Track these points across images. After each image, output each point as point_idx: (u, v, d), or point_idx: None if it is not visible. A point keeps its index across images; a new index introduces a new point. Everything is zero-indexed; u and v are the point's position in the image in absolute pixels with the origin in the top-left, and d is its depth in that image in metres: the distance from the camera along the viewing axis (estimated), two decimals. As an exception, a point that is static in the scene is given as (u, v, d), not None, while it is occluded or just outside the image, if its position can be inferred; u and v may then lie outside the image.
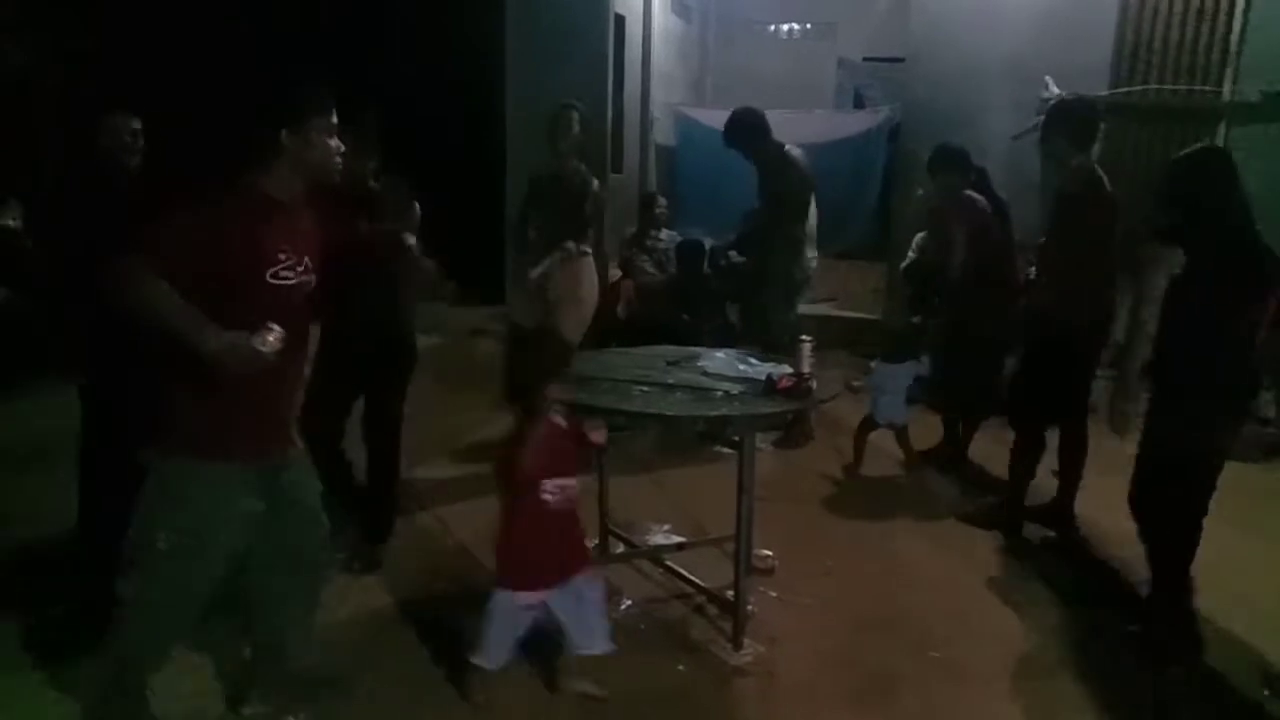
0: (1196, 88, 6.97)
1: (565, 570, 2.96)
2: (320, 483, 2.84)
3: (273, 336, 2.33)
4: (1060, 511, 4.48)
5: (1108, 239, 4.18)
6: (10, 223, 5.55)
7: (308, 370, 3.20)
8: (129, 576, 2.56)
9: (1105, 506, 4.72)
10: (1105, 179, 4.21)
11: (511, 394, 2.98)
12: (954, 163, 5.27)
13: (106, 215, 3.34)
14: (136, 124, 3.66)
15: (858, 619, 3.66)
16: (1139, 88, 7.11)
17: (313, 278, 2.62)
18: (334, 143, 2.61)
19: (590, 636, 3.02)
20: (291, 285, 2.52)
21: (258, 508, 2.60)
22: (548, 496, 2.86)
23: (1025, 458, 4.47)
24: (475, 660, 2.95)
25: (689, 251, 7.15)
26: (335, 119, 2.60)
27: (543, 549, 2.92)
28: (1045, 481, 4.56)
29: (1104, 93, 7.16)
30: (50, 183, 3.77)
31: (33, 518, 4.14)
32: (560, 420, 2.96)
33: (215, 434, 2.50)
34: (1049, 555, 4.28)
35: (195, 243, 2.37)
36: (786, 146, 5.81)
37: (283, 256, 2.49)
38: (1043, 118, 7.19)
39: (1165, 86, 7.04)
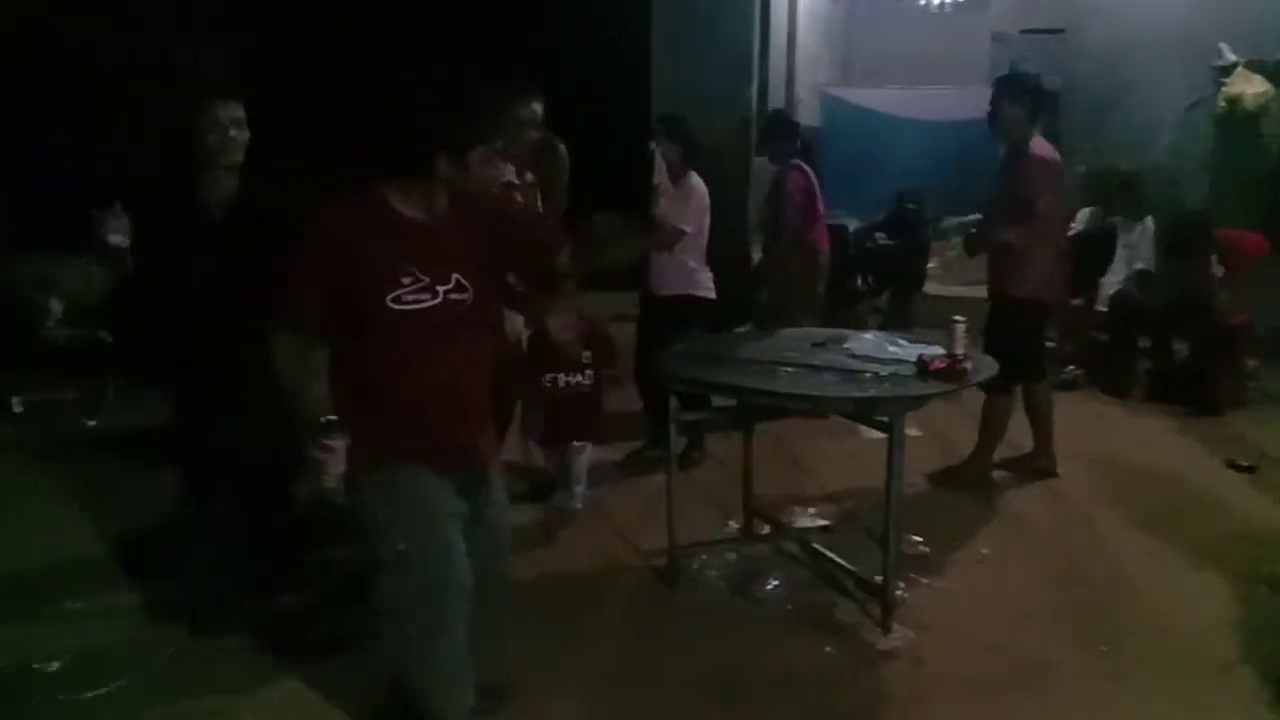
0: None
1: None
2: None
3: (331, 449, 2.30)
4: (1036, 462, 4.79)
5: (1051, 212, 4.40)
6: (118, 240, 5.47)
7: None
8: (384, 618, 2.46)
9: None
10: (1056, 152, 4.47)
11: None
12: (787, 132, 5.80)
13: (206, 239, 3.04)
14: (239, 111, 3.08)
15: (1011, 609, 3.55)
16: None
17: (469, 295, 2.38)
18: (495, 171, 2.45)
19: None
20: (428, 309, 2.31)
21: (461, 508, 2.45)
22: None
23: (995, 416, 4.63)
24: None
25: (833, 235, 7.09)
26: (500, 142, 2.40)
27: None
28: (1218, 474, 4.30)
29: (1286, 57, 6.70)
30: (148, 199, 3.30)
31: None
32: None
33: (392, 443, 2.35)
34: (1216, 546, 4.04)
35: (306, 267, 2.28)
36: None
37: (407, 280, 2.28)
38: (1220, 86, 6.87)
39: (1358, 49, 6.53)
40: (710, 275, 4.90)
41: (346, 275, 2.26)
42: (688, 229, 4.69)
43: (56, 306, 6.45)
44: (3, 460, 5.03)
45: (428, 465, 2.39)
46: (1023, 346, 4.46)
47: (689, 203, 4.74)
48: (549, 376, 4.13)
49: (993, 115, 4.46)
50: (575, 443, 4.23)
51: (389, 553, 2.37)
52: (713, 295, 4.90)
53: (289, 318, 2.33)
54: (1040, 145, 4.43)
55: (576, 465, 4.26)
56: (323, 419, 2.30)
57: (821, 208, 5.87)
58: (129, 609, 3.50)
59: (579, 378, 4.17)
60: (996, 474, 4.77)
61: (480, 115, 2.35)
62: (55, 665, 3.13)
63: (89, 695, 2.98)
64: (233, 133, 3.02)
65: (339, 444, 2.29)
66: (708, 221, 4.82)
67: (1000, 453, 4.80)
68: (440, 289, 2.33)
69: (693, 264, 4.80)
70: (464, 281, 2.38)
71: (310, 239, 2.30)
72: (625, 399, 4.95)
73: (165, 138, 3.28)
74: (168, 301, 3.10)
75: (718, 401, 4.25)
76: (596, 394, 4.27)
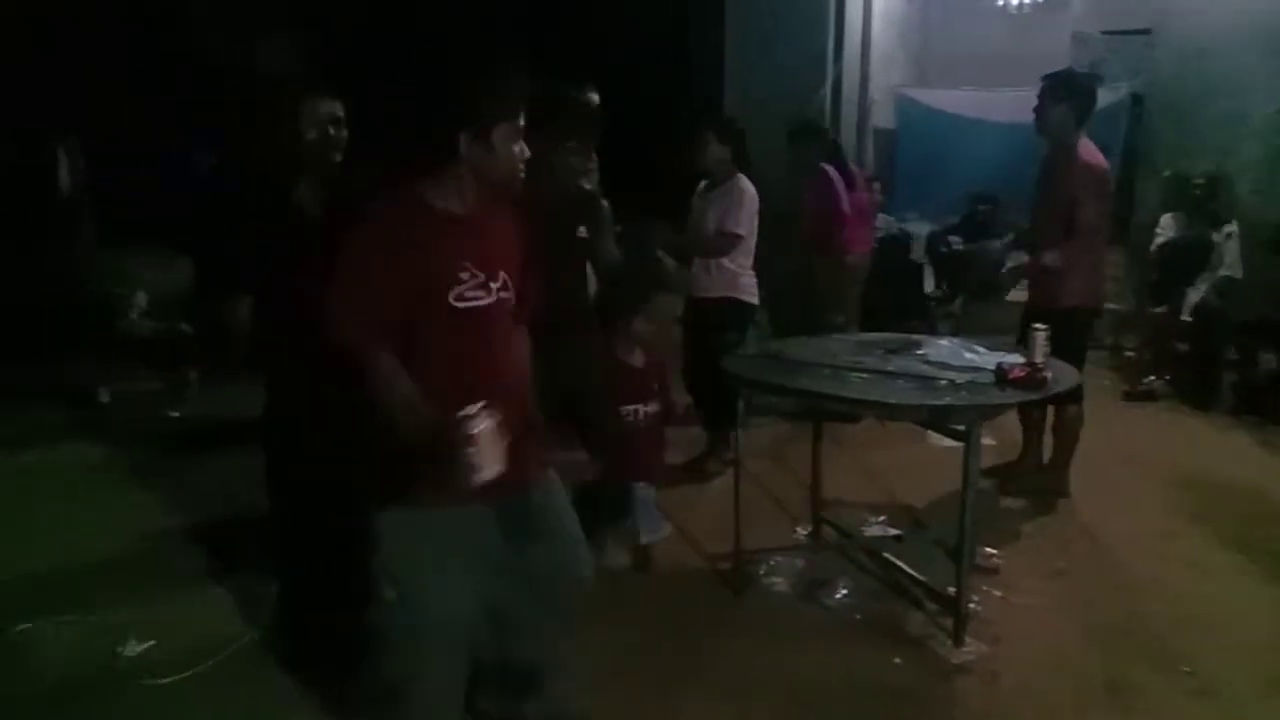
0: None
1: None
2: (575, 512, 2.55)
3: (478, 417, 2.09)
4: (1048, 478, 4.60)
5: (1096, 221, 4.25)
6: None
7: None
8: (379, 640, 2.42)
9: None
10: (1103, 157, 4.36)
11: None
12: (811, 135, 5.76)
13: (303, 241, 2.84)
14: (339, 110, 2.99)
15: (1090, 624, 3.46)
16: None
17: (512, 295, 2.32)
18: (519, 149, 2.25)
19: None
20: (485, 306, 2.24)
21: (488, 541, 2.34)
22: None
23: (1067, 427, 4.49)
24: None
25: (891, 245, 6.95)
26: (523, 121, 2.26)
27: None
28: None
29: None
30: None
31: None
32: None
33: (431, 479, 2.19)
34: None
35: (369, 272, 2.16)
36: None
37: (465, 276, 2.20)
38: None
39: None
40: (754, 279, 4.77)
41: (403, 279, 2.15)
42: (742, 233, 4.61)
43: (141, 300, 6.64)
44: (90, 449, 5.20)
45: (470, 502, 2.24)
46: (1076, 356, 4.24)
47: (740, 206, 4.60)
48: (628, 408, 3.72)
49: (1039, 114, 4.35)
50: (644, 482, 3.87)
51: (399, 598, 2.31)
52: (755, 299, 4.81)
53: (369, 334, 2.18)
54: (1088, 150, 4.29)
55: (648, 502, 3.89)
56: (460, 412, 2.10)
57: (847, 209, 5.73)
58: (210, 598, 3.58)
59: (653, 406, 3.82)
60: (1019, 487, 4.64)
61: (499, 90, 2.22)
62: (137, 650, 3.22)
63: (168, 680, 3.06)
64: (332, 131, 2.97)
65: (487, 424, 2.10)
66: (755, 225, 4.69)
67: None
68: (493, 286, 2.25)
69: (736, 268, 4.69)
70: (509, 280, 2.31)
71: (364, 250, 2.19)
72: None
73: (262, 136, 3.29)
74: (264, 299, 3.09)
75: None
76: (663, 425, 4.00)
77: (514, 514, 2.37)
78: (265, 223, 3.02)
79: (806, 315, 5.60)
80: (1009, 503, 4.52)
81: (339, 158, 3.02)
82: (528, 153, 2.28)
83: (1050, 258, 4.21)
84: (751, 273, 4.77)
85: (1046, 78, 4.40)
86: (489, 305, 2.24)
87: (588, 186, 3.67)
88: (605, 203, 3.78)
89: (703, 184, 4.80)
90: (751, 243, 4.70)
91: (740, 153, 4.68)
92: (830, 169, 5.69)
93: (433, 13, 8.46)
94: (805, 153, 5.72)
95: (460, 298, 2.19)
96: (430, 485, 2.20)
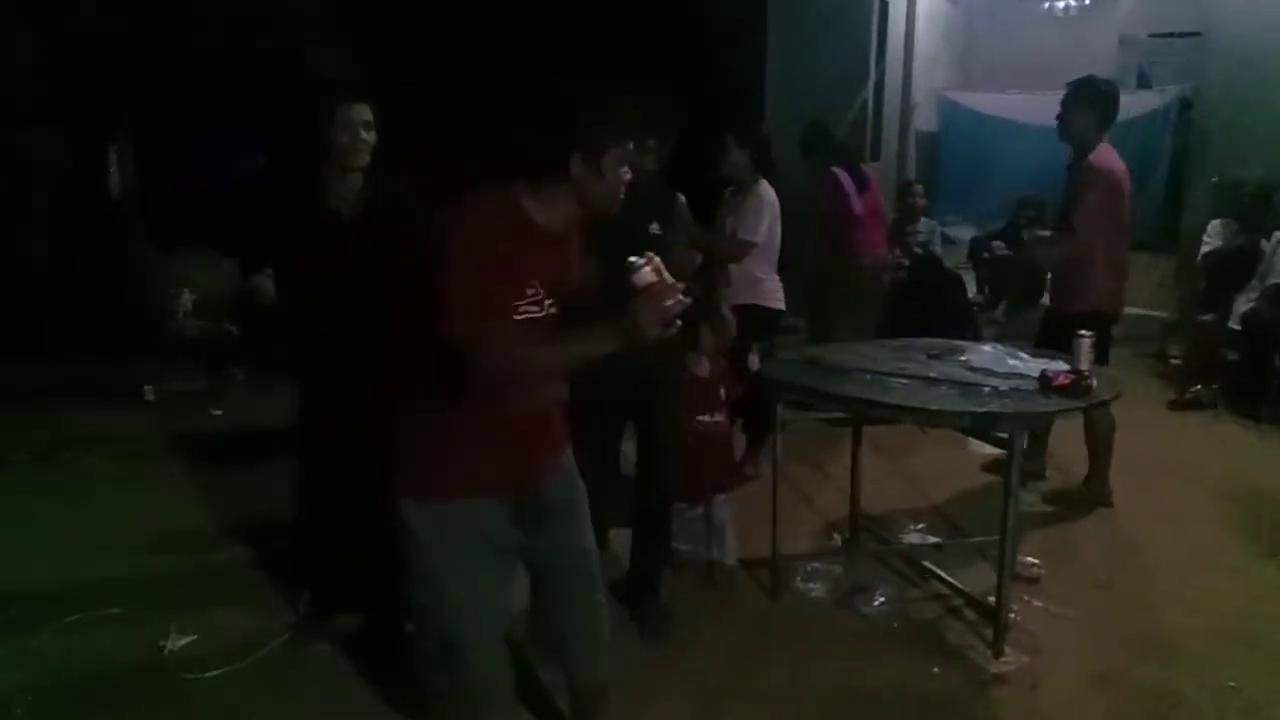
0: None
1: None
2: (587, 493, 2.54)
3: (647, 267, 2.15)
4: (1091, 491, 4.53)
5: (1119, 224, 4.28)
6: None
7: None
8: (416, 638, 2.46)
9: None
10: (1120, 163, 4.31)
11: None
12: (822, 141, 5.77)
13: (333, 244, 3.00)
14: (369, 114, 3.05)
15: (1132, 638, 3.40)
16: None
17: (557, 308, 2.31)
18: (625, 173, 2.29)
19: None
20: (537, 319, 2.24)
21: (510, 536, 2.38)
22: None
23: (1098, 433, 4.45)
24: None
25: (924, 264, 6.83)
26: (633, 146, 2.31)
27: None
28: None
29: None
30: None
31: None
32: None
33: (456, 473, 2.26)
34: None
35: (477, 266, 2.11)
36: None
37: (530, 291, 2.21)
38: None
39: None
40: (779, 285, 4.70)
41: (491, 280, 2.14)
42: (758, 240, 4.54)
43: (187, 300, 6.75)
44: (134, 447, 5.28)
45: (492, 495, 2.31)
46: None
47: (758, 213, 4.53)
48: (695, 418, 3.70)
49: (1062, 121, 4.34)
50: (720, 495, 3.85)
51: (423, 592, 2.33)
52: (780, 305, 4.73)
53: (495, 328, 2.15)
54: (1102, 155, 4.26)
55: (725, 517, 3.85)
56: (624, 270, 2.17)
57: (858, 210, 5.63)
58: (248, 596, 3.63)
59: (719, 415, 3.81)
60: (1046, 501, 4.56)
61: (618, 117, 2.27)
62: (179, 644, 3.27)
63: (210, 675, 3.11)
64: (363, 135, 3.02)
65: (647, 269, 2.17)
66: (778, 230, 4.64)
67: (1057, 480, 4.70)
68: (548, 304, 2.27)
69: (759, 274, 4.62)
70: (560, 293, 2.32)
71: (461, 238, 2.15)
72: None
73: (294, 139, 3.34)
74: (295, 302, 3.14)
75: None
76: (731, 433, 3.95)
77: (532, 503, 2.39)
78: (302, 225, 3.08)
79: (823, 318, 5.65)
80: (1050, 510, 4.46)
81: (368, 160, 3.07)
82: (630, 175, 2.31)
83: (1034, 241, 4.25)
84: (776, 278, 4.71)
85: (1069, 85, 4.39)
86: (540, 318, 2.26)
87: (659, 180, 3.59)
88: (682, 198, 3.77)
89: (729, 190, 4.77)
90: (774, 248, 4.65)
91: (762, 158, 4.61)
92: (840, 171, 5.65)
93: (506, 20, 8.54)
94: (819, 164, 5.70)
95: (519, 310, 2.21)
96: (454, 479, 2.26)
